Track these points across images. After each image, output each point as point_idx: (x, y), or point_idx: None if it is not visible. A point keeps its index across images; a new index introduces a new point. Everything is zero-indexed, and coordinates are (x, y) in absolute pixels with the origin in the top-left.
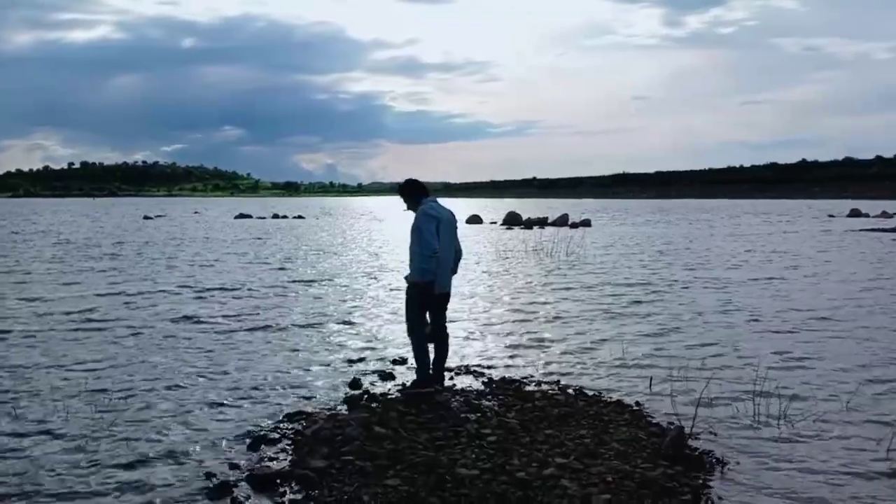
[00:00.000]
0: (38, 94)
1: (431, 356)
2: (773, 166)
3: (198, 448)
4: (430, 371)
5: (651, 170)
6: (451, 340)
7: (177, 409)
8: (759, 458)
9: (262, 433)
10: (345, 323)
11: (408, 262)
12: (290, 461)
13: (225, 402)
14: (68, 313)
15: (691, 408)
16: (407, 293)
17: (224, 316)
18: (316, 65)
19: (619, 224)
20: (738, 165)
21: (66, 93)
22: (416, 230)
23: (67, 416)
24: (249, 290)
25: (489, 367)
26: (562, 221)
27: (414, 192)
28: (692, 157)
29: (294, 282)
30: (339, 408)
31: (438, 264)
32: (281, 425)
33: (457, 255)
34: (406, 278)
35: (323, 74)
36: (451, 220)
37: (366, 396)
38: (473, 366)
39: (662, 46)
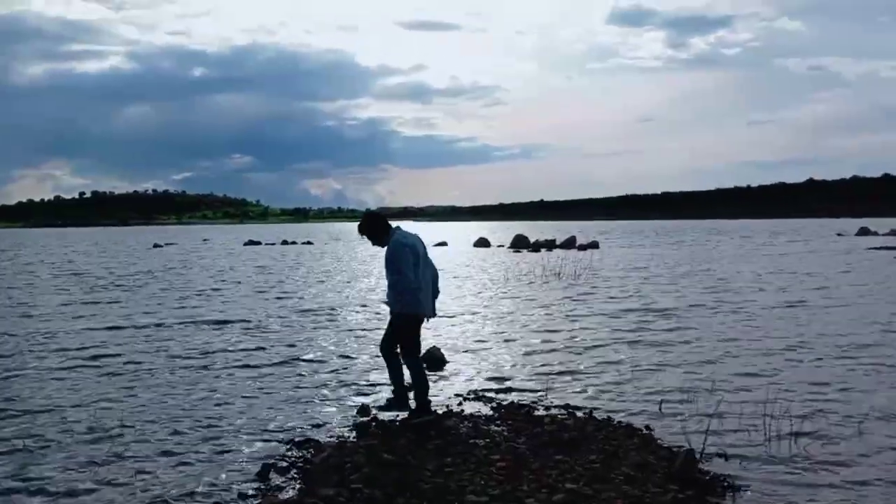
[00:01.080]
0: (50, 125)
1: (407, 379)
2: (780, 186)
3: (207, 477)
4: (413, 400)
5: (658, 190)
6: (460, 366)
7: (185, 440)
8: (772, 481)
9: (271, 461)
10: (352, 352)
11: (387, 293)
12: (298, 489)
13: (233, 430)
14: (79, 348)
15: (702, 431)
16: (393, 324)
17: (232, 347)
18: (324, 92)
19: (628, 246)
20: (745, 185)
21: (78, 123)
22: (393, 262)
23: (88, 433)
24: (257, 321)
25: (498, 392)
26: (570, 244)
27: (378, 228)
28: (699, 177)
29: (302, 311)
30: (347, 435)
31: (422, 293)
32: (290, 453)
33: (434, 276)
34: (392, 310)
35: (331, 101)
36: (422, 245)
37: (374, 423)
38: (482, 391)
39: (668, 68)
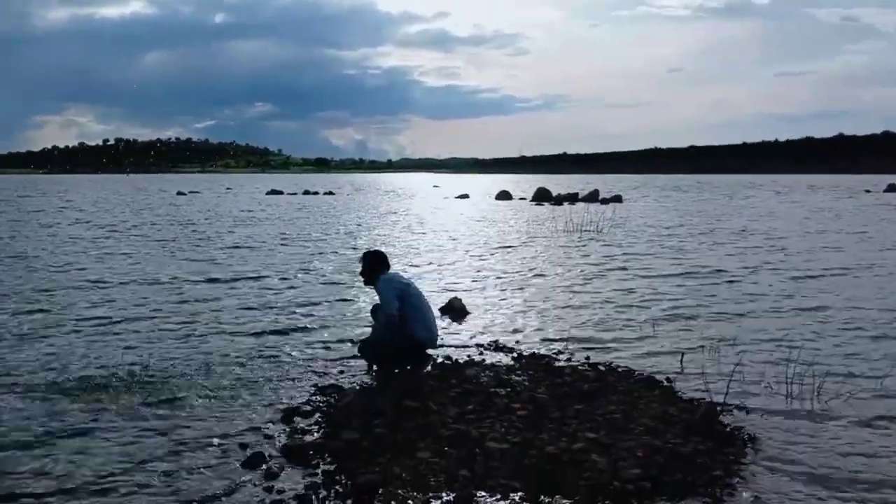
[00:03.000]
0: (72, 70)
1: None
2: (808, 140)
3: (233, 420)
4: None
5: (685, 144)
6: (481, 317)
7: (212, 386)
8: (791, 434)
9: (294, 406)
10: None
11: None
12: (322, 433)
13: (259, 377)
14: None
15: (723, 384)
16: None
17: (259, 298)
18: (345, 39)
19: (653, 200)
20: (773, 140)
21: (100, 69)
22: (398, 300)
23: (108, 394)
24: (288, 275)
25: (518, 343)
26: (592, 197)
27: (378, 265)
28: (726, 130)
29: (328, 261)
30: (370, 382)
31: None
32: (313, 398)
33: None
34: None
35: (352, 49)
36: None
37: (396, 371)
38: (503, 341)
39: (697, 17)
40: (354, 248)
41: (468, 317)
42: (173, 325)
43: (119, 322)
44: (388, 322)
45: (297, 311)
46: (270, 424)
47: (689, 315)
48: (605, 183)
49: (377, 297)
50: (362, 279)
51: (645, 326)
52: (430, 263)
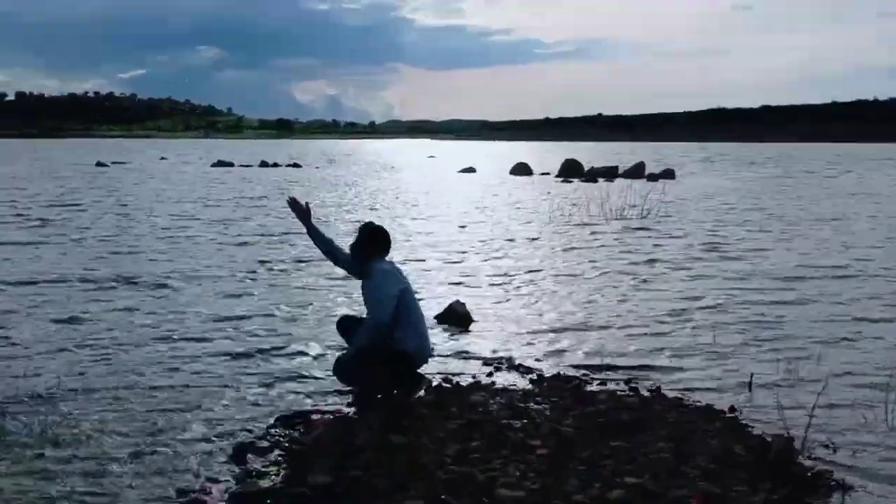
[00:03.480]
0: None
1: None
2: None
3: (168, 455)
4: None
5: (756, 103)
6: (490, 326)
7: (144, 409)
8: (894, 483)
9: (249, 440)
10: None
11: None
12: (282, 477)
13: (201, 404)
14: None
15: (804, 415)
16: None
17: (202, 305)
18: None
19: (715, 176)
20: (871, 98)
21: None
22: (396, 297)
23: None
24: (238, 277)
25: (538, 361)
26: (636, 172)
27: (376, 246)
28: (809, 87)
29: (291, 259)
30: (346, 410)
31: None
32: (272, 431)
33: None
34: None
35: None
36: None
37: (380, 396)
38: (518, 358)
39: None
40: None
41: (473, 326)
42: (86, 340)
43: (9, 335)
44: (375, 329)
45: (252, 321)
46: (215, 464)
47: (761, 327)
48: (654, 154)
49: (359, 293)
50: (351, 257)
51: (703, 341)
52: (424, 260)
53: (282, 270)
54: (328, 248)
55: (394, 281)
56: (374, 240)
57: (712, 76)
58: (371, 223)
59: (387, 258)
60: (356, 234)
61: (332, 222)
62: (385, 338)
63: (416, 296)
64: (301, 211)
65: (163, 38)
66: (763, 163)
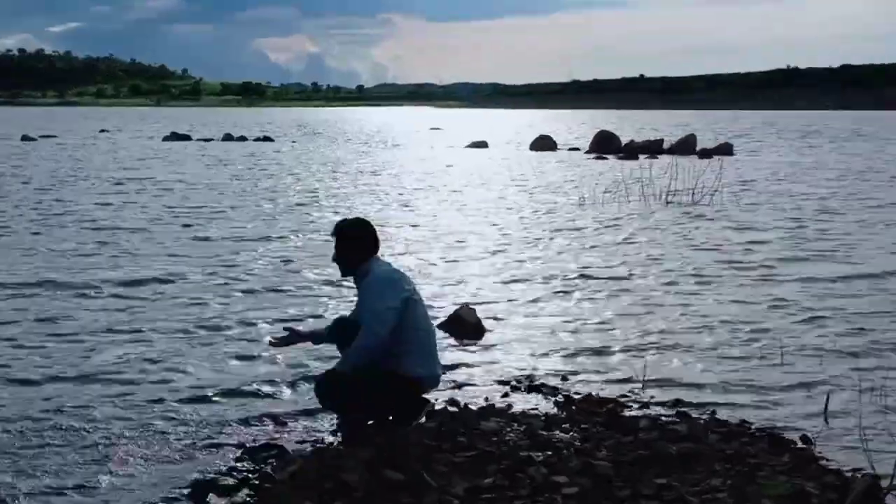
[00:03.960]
0: None
1: None
2: None
3: (112, 492)
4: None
5: (835, 63)
6: (505, 337)
7: (87, 433)
8: None
9: (209, 478)
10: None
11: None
12: None
13: (154, 434)
14: None
15: (893, 447)
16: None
17: (150, 311)
18: None
19: (785, 150)
20: None
21: None
22: (397, 310)
23: None
24: (198, 279)
25: (566, 379)
26: (686, 147)
27: (364, 242)
28: None
29: (261, 256)
30: (330, 439)
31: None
32: (240, 465)
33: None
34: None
35: None
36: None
37: (370, 422)
38: (541, 376)
39: None
40: (301, 235)
41: (486, 337)
42: (6, 356)
43: None
44: (368, 349)
45: (213, 331)
46: None
47: (842, 341)
48: (707, 124)
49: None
50: (338, 266)
51: (769, 357)
52: (424, 258)
53: (252, 274)
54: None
55: (395, 288)
56: (357, 237)
57: (781, 29)
58: (345, 220)
59: (384, 259)
60: (334, 236)
61: (317, 217)
62: (380, 357)
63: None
64: (297, 338)
65: None
66: (846, 135)
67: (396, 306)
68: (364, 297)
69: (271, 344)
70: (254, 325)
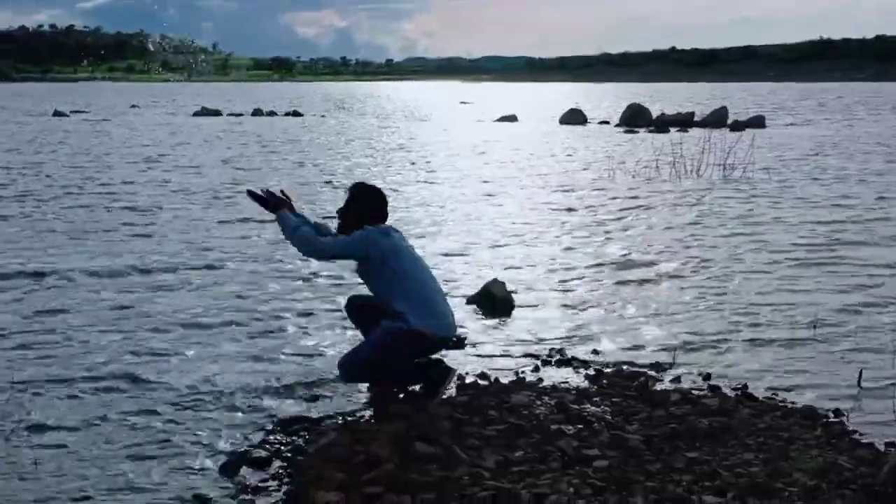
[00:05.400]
0: None
1: None
2: None
3: (148, 469)
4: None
5: (869, 33)
6: (536, 311)
7: (122, 412)
8: None
9: (242, 450)
10: None
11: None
12: (285, 493)
13: (190, 400)
14: None
15: None
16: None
17: (180, 289)
18: None
19: (821, 123)
20: None
21: None
22: (388, 257)
23: None
24: (226, 259)
25: (596, 353)
26: (717, 120)
27: (366, 208)
28: None
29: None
30: (361, 412)
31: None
32: (272, 438)
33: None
34: (401, 327)
35: None
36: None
37: (401, 395)
38: (571, 350)
39: None
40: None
41: (515, 312)
42: (39, 331)
43: None
44: (308, 248)
45: (243, 309)
46: (203, 479)
47: (877, 311)
48: (739, 97)
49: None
50: (337, 221)
51: (802, 329)
52: (452, 234)
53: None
54: (308, 236)
55: (376, 235)
56: (363, 197)
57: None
58: (359, 182)
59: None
60: (347, 195)
61: (341, 183)
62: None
63: (448, 274)
64: (275, 202)
65: None
66: (887, 108)
67: (364, 238)
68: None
69: (248, 192)
70: (286, 303)
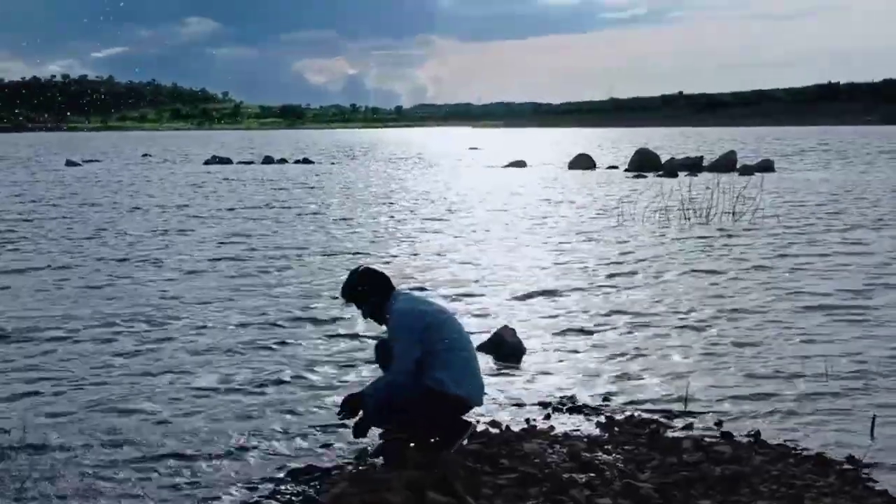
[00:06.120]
0: None
1: None
2: None
3: None
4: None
5: (878, 77)
6: (546, 359)
7: (124, 462)
8: None
9: (253, 500)
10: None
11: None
12: None
13: (196, 450)
14: None
15: None
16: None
17: (187, 335)
18: None
19: (829, 166)
20: None
21: None
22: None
23: None
24: (234, 302)
25: (608, 400)
26: (726, 164)
27: (377, 288)
28: None
29: (298, 276)
30: (373, 460)
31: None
32: (281, 489)
33: None
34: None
35: None
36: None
37: (413, 445)
38: (583, 398)
39: None
40: (336, 256)
41: (526, 358)
42: (41, 377)
43: None
44: (390, 385)
45: (250, 350)
46: None
47: (890, 363)
48: (748, 141)
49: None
50: (359, 311)
51: (814, 376)
52: (459, 280)
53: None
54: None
55: (416, 313)
56: (371, 285)
57: (818, 41)
58: (346, 282)
59: (403, 292)
60: (346, 287)
61: (347, 231)
62: (409, 382)
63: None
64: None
65: (145, 8)
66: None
67: (419, 336)
68: (390, 338)
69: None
70: (298, 347)
